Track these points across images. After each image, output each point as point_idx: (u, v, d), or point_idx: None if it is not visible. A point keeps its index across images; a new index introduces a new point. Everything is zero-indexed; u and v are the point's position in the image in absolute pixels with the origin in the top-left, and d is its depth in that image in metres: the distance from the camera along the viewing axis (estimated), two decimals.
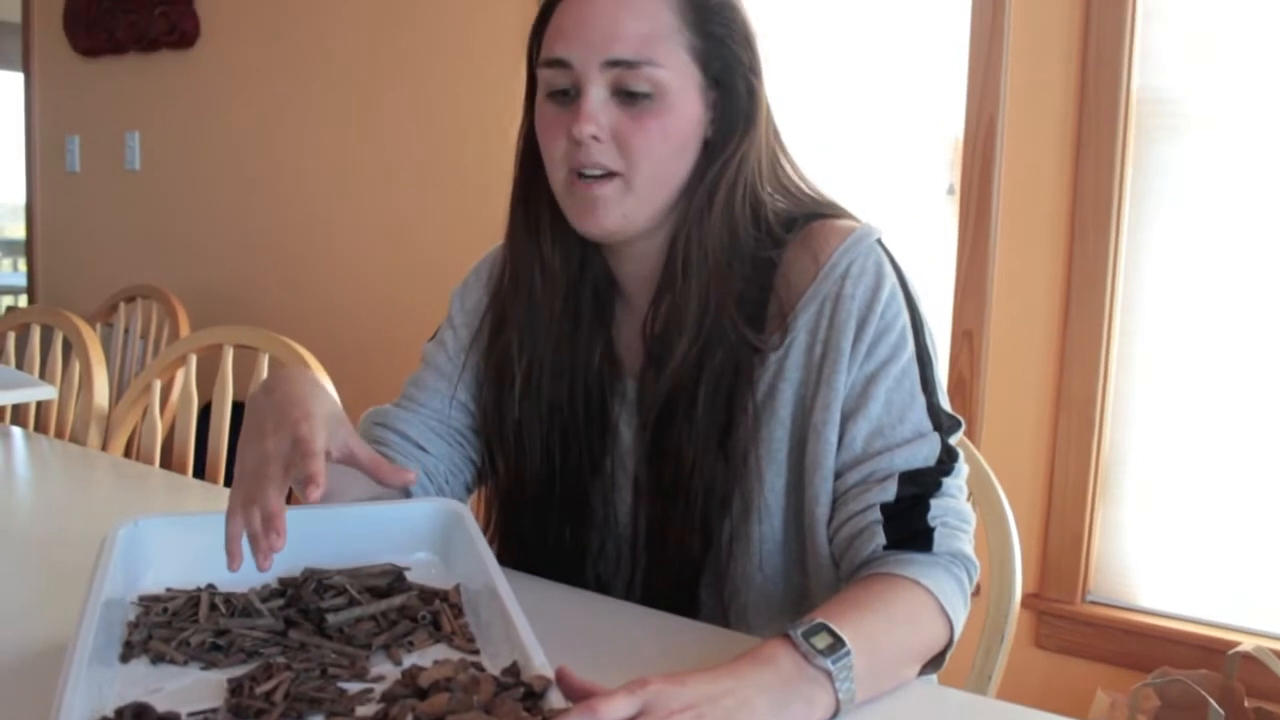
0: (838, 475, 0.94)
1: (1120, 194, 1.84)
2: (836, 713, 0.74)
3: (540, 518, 1.05)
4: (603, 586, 1.06)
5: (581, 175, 0.95)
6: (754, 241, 0.97)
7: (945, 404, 0.95)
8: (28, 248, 3.99)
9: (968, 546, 0.90)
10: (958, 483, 0.93)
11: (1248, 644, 1.69)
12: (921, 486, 0.91)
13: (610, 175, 0.94)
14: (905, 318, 0.94)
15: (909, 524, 0.89)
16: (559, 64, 0.94)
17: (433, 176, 2.77)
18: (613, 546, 1.05)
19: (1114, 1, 1.81)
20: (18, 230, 4.39)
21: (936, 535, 0.89)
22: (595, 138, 0.93)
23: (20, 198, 4.00)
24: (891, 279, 0.95)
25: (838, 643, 0.75)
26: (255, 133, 3.18)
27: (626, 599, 1.04)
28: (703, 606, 1.00)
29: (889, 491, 0.90)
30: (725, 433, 0.96)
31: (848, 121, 2.12)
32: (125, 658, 0.77)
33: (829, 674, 0.74)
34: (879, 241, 0.97)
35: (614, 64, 0.92)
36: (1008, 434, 1.96)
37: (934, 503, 0.90)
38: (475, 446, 1.12)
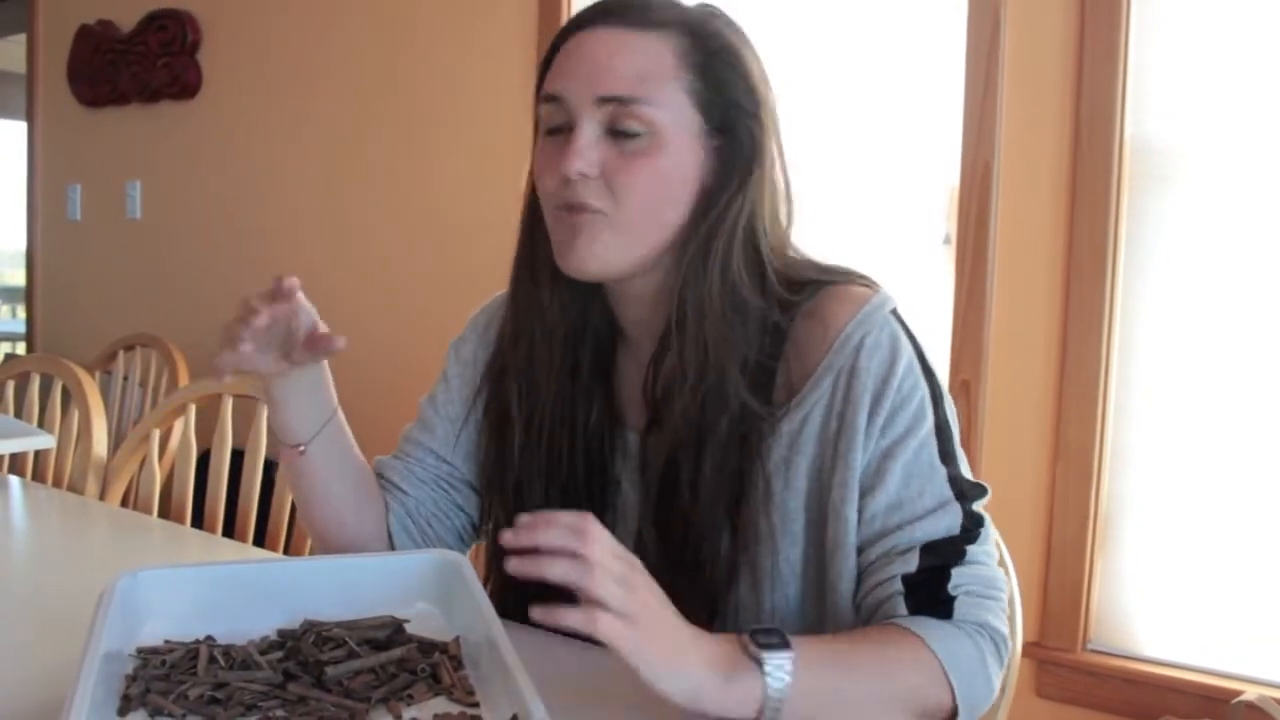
0: (860, 550, 0.92)
1: (1115, 242, 1.85)
2: (762, 711, 0.75)
3: None
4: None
5: (567, 209, 0.94)
6: (760, 300, 0.94)
7: (967, 473, 0.93)
8: (28, 295, 4.01)
9: (994, 617, 0.88)
10: (985, 549, 0.91)
11: (1251, 693, 1.67)
12: (944, 557, 0.89)
13: (592, 211, 0.92)
14: (923, 390, 0.92)
15: (931, 594, 0.88)
16: (553, 99, 0.94)
17: (430, 226, 2.79)
18: None
19: (1106, 53, 1.84)
20: (18, 278, 4.40)
21: (958, 604, 0.87)
22: (583, 174, 0.91)
23: (21, 245, 4.02)
24: (907, 351, 0.93)
25: (783, 644, 0.77)
26: (256, 183, 3.21)
27: None
28: None
29: (910, 563, 0.89)
30: (733, 505, 0.94)
31: (843, 171, 2.14)
32: (123, 711, 0.77)
33: (759, 662, 0.75)
34: (894, 312, 0.95)
35: (607, 100, 0.91)
36: (1006, 483, 1.96)
37: (956, 571, 0.88)
38: (465, 495, 1.12)
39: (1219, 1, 1.77)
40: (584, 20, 0.95)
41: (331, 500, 1.05)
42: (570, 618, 0.68)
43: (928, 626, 0.85)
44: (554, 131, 0.95)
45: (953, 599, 0.87)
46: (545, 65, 0.98)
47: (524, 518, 0.74)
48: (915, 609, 0.88)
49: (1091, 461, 1.87)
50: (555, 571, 0.71)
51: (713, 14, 0.96)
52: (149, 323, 3.29)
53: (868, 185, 2.13)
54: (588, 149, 0.91)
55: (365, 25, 2.90)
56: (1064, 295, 1.90)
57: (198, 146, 3.35)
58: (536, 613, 0.68)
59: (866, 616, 0.91)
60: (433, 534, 1.10)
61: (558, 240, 0.95)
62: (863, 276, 0.99)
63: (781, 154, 0.98)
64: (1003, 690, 1.12)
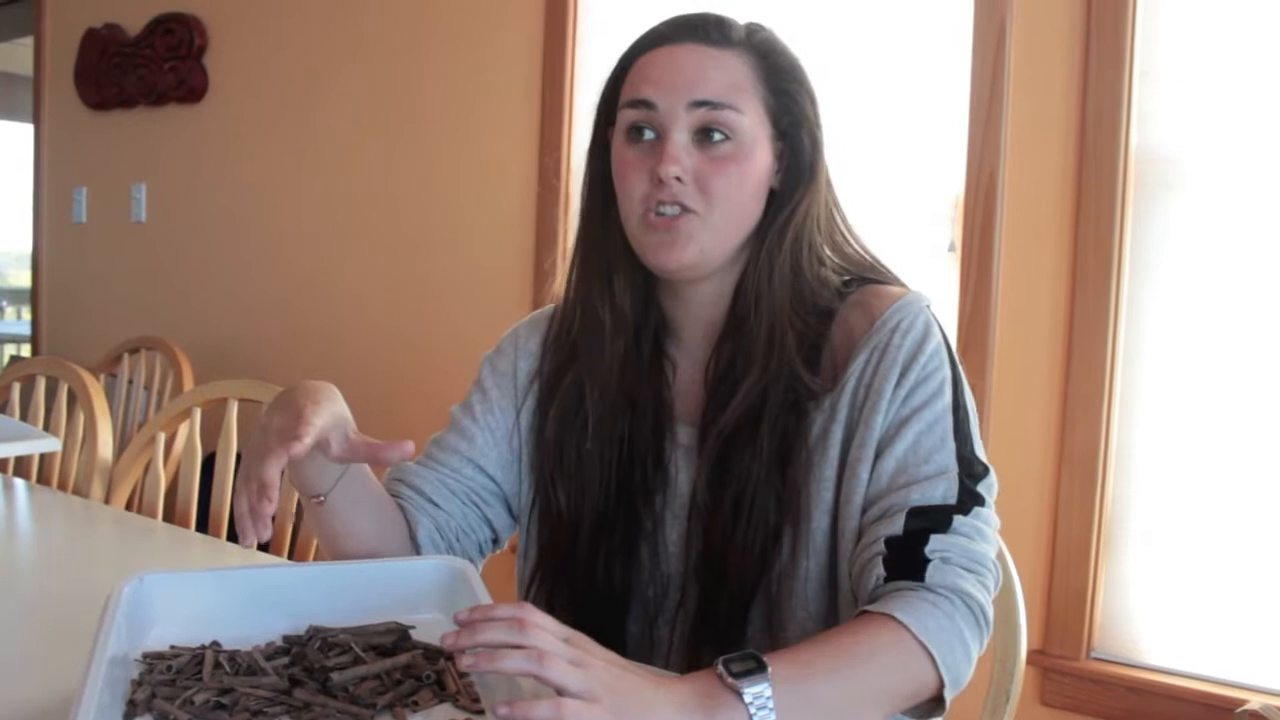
0: (864, 511, 0.96)
1: (1120, 250, 1.85)
2: None
3: (591, 548, 1.07)
4: (650, 619, 1.07)
5: (658, 213, 1.00)
6: (814, 291, 1.04)
7: (979, 454, 0.98)
8: (33, 297, 4.01)
9: (970, 584, 0.89)
10: (975, 524, 0.93)
11: (1255, 701, 1.67)
12: (930, 522, 0.92)
13: (687, 212, 0.99)
14: (946, 372, 0.99)
15: (907, 556, 0.90)
16: (644, 105, 1.00)
17: (436, 230, 2.80)
18: (661, 578, 1.07)
19: (1112, 60, 1.84)
20: (23, 279, 4.41)
21: (930, 568, 0.89)
22: (679, 178, 0.98)
23: (27, 247, 4.03)
24: (937, 337, 1.00)
25: (759, 668, 0.77)
26: (261, 187, 3.21)
27: (671, 633, 1.06)
28: (749, 642, 1.01)
29: (897, 525, 0.92)
30: (782, 469, 0.99)
31: (849, 179, 2.13)
32: (129, 716, 0.77)
33: (738, 693, 0.75)
34: (928, 307, 1.03)
35: (699, 104, 0.99)
36: (1010, 489, 1.94)
37: (936, 538, 0.91)
38: (494, 509, 1.15)
39: (1225, 10, 1.78)
40: (666, 36, 1.03)
41: (356, 535, 1.06)
42: (538, 711, 0.69)
43: (892, 603, 0.86)
44: (635, 138, 1.02)
45: (927, 562, 0.89)
46: (619, 76, 1.06)
47: (461, 614, 0.74)
48: (891, 570, 0.90)
49: (1096, 469, 1.87)
50: (511, 666, 0.71)
51: (774, 36, 1.06)
52: (154, 326, 3.30)
53: (873, 193, 2.13)
54: (683, 153, 0.99)
55: (372, 30, 2.91)
56: (1069, 303, 1.90)
57: (203, 150, 3.36)
58: (502, 709, 0.68)
59: (855, 580, 0.94)
60: (459, 548, 1.12)
61: (652, 244, 1.02)
62: (902, 280, 1.09)
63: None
64: (1007, 698, 1.12)
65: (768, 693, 0.76)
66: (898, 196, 2.11)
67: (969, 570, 0.90)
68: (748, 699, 0.75)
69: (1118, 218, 1.85)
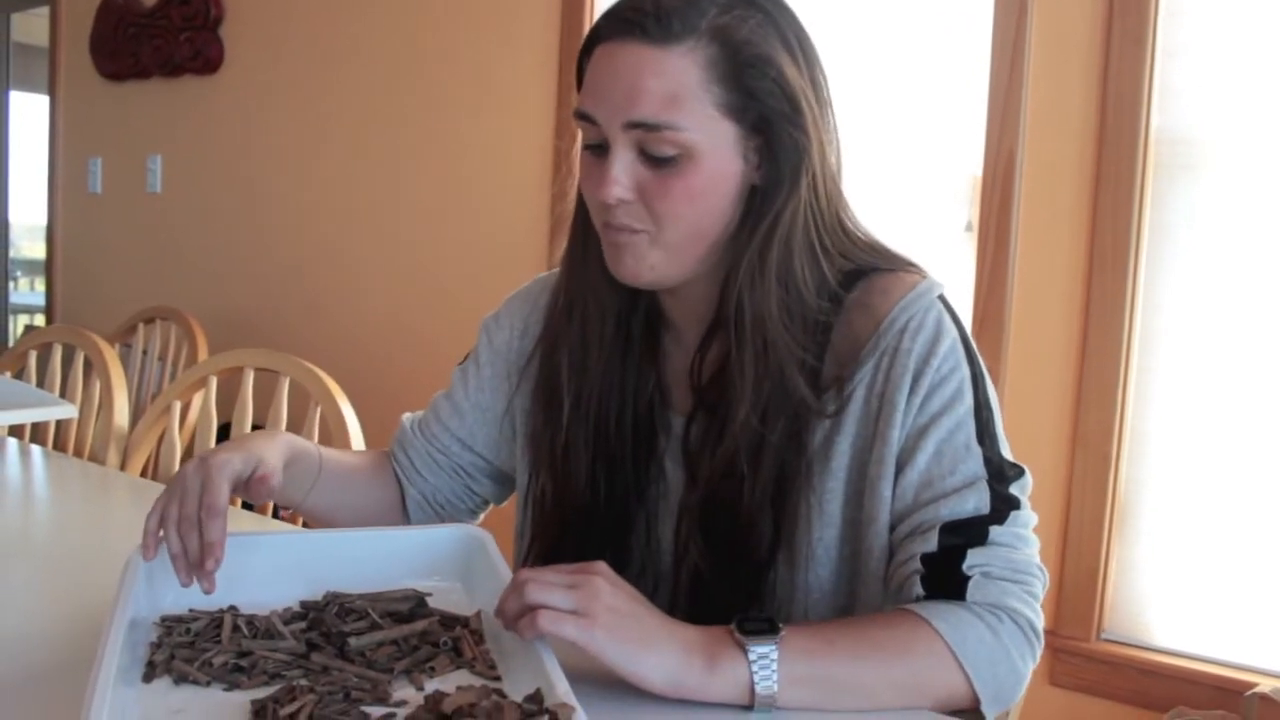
0: (892, 528, 0.92)
1: (1139, 231, 1.84)
2: (753, 698, 0.77)
3: (581, 539, 1.04)
4: None
5: (614, 226, 0.93)
6: (815, 300, 0.93)
7: (1007, 454, 0.93)
8: (47, 267, 4.02)
9: (1015, 600, 0.86)
10: (1014, 531, 0.89)
11: (1265, 685, 1.67)
12: (965, 537, 0.88)
13: (638, 231, 0.92)
14: (964, 371, 0.92)
15: (945, 574, 0.87)
16: (587, 118, 0.92)
17: (450, 204, 2.79)
18: (652, 574, 1.04)
19: (1134, 40, 1.82)
20: (38, 250, 4.43)
21: (971, 585, 0.86)
22: (621, 199, 0.91)
23: (42, 218, 4.03)
24: (951, 333, 0.93)
25: (770, 630, 0.78)
26: (276, 158, 3.21)
27: None
28: None
29: (931, 542, 0.88)
30: (778, 492, 0.94)
31: (867, 157, 2.13)
32: (148, 677, 0.78)
33: (744, 649, 0.77)
34: (940, 297, 0.95)
35: (635, 125, 0.89)
36: None
37: (973, 552, 0.87)
38: (480, 482, 1.18)
39: None
40: (605, 33, 0.92)
41: (335, 522, 1.13)
42: (517, 627, 0.71)
43: (935, 609, 0.85)
44: (591, 147, 0.94)
45: (966, 579, 0.86)
46: (579, 73, 0.96)
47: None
48: (930, 589, 0.87)
49: (1109, 450, 1.87)
50: (508, 606, 0.78)
51: (743, 16, 0.90)
52: (168, 296, 3.31)
53: (891, 172, 2.12)
54: (623, 174, 0.90)
55: (390, 3, 2.90)
56: (1085, 283, 1.89)
57: (219, 121, 3.36)
58: (497, 616, 0.73)
59: (892, 594, 0.91)
60: (446, 514, 1.17)
61: (608, 253, 0.96)
62: (911, 263, 0.98)
63: (834, 136, 0.96)
64: None
65: (774, 655, 0.77)
66: (916, 176, 2.10)
67: (1013, 581, 0.87)
68: (751, 656, 0.77)
69: (1137, 199, 1.83)
